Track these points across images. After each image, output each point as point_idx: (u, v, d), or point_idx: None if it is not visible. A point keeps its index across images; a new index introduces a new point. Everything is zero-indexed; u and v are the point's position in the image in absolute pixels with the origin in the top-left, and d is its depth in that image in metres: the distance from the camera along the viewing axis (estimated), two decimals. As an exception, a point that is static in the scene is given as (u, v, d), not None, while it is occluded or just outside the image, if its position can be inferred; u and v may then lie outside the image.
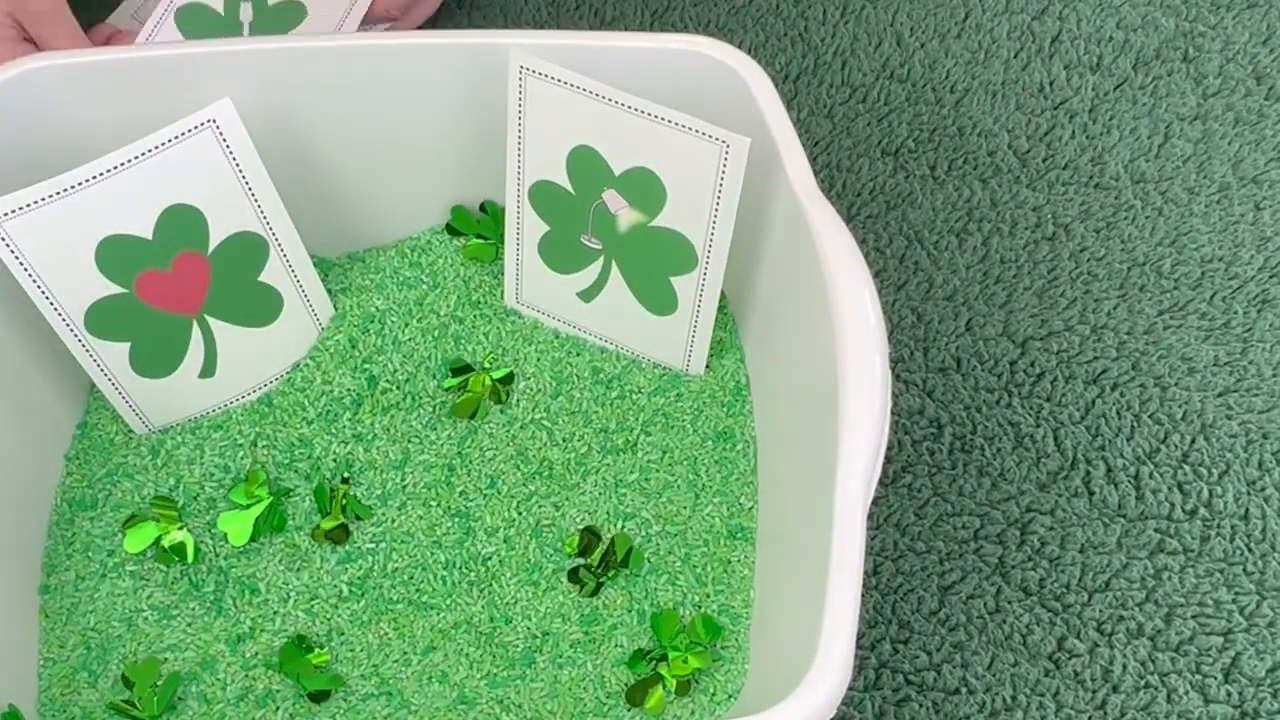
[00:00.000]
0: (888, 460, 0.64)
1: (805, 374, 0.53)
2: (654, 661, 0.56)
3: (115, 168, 0.54)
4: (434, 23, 0.81)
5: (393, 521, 0.60)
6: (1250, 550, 0.61)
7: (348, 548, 0.60)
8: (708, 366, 0.63)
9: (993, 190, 0.73)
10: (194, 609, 0.58)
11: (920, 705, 0.58)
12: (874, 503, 0.60)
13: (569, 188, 0.60)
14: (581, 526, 0.60)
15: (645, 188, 0.57)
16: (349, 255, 0.68)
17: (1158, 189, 0.73)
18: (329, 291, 0.65)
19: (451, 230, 0.67)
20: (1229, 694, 0.58)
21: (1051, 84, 0.77)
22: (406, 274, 0.66)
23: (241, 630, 0.58)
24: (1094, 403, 0.66)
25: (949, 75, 0.78)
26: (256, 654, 0.57)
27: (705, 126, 0.54)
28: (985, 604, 0.60)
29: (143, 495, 0.61)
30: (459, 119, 0.62)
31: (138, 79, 0.57)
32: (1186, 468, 0.64)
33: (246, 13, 0.75)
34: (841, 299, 0.50)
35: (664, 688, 0.55)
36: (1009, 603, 0.61)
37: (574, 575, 0.58)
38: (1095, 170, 0.74)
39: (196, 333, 0.61)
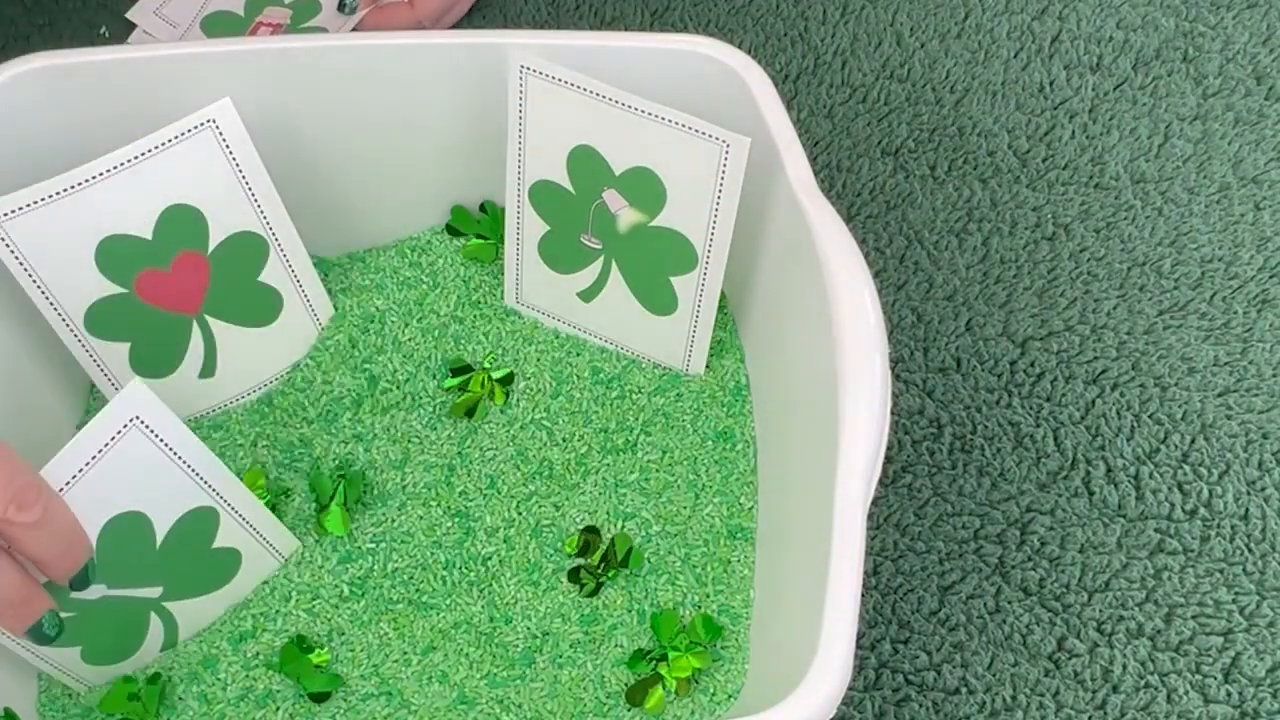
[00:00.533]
0: (888, 460, 0.64)
1: (805, 374, 0.53)
2: (654, 661, 0.55)
3: (115, 168, 0.54)
4: (434, 23, 0.81)
5: (393, 521, 0.60)
6: (1250, 550, 0.61)
7: (348, 548, 0.60)
8: (708, 366, 0.63)
9: (993, 190, 0.73)
10: (194, 609, 0.58)
11: (920, 705, 0.58)
12: (874, 503, 0.60)
13: (569, 187, 0.60)
14: (581, 526, 0.60)
15: (645, 187, 0.57)
16: (349, 255, 0.68)
17: (1158, 189, 0.73)
18: (329, 291, 0.65)
19: (451, 230, 0.67)
20: (1229, 694, 0.58)
21: (1051, 84, 0.77)
22: (406, 274, 0.66)
23: (242, 630, 0.58)
24: (1094, 403, 0.66)
25: (949, 75, 0.78)
26: (257, 654, 0.57)
27: (705, 126, 0.54)
28: (985, 604, 0.60)
29: (143, 495, 0.61)
30: (459, 119, 0.62)
31: (137, 79, 0.57)
32: (1186, 468, 0.64)
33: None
34: (841, 299, 0.50)
35: (664, 688, 0.55)
36: (1009, 603, 0.61)
37: (574, 575, 0.58)
38: (1095, 170, 0.74)
39: (196, 333, 0.61)
